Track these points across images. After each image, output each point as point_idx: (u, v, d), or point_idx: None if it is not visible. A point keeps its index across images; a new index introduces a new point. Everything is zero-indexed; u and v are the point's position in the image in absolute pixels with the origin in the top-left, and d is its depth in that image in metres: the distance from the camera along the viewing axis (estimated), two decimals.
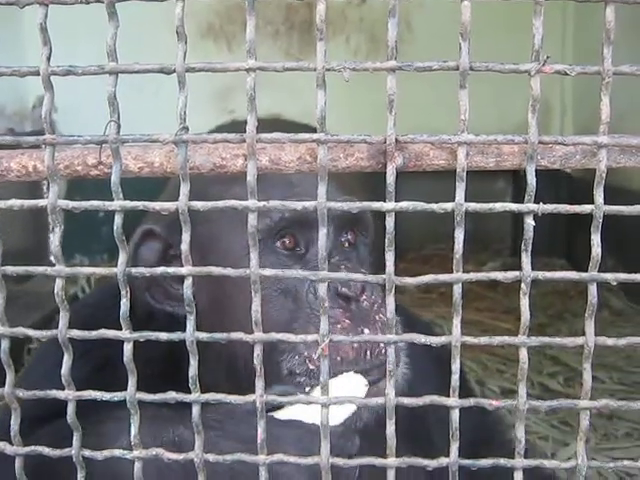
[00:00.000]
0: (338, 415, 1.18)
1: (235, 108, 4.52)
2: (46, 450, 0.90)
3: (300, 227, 1.34)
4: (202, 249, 1.35)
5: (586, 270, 0.82)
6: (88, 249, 4.43)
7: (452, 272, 0.82)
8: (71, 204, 0.82)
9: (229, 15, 4.68)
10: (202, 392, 0.86)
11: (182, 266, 0.81)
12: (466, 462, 0.86)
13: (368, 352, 1.28)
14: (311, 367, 1.28)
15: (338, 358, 1.26)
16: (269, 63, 0.80)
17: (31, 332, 0.87)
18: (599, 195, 0.80)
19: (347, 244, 1.43)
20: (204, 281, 1.15)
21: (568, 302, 3.77)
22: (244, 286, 0.92)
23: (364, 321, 1.29)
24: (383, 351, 1.28)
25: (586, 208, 0.80)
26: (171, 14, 0.79)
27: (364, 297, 1.31)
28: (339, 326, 1.27)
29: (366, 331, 1.29)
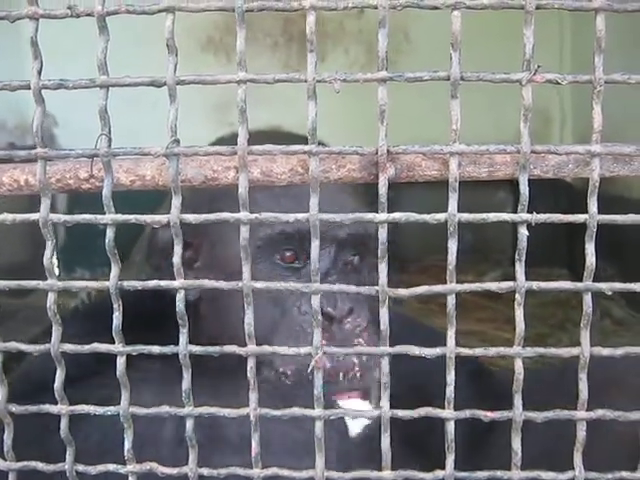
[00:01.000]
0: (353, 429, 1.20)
1: (234, 121, 4.51)
2: (40, 465, 0.89)
3: (301, 241, 1.35)
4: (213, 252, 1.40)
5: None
6: (89, 262, 4.42)
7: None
8: (63, 218, 0.82)
9: (228, 28, 4.69)
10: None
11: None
12: (462, 475, 0.85)
13: (341, 374, 1.31)
14: (285, 381, 1.32)
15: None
16: (260, 75, 0.80)
17: (24, 346, 0.87)
18: (593, 204, 0.80)
19: (350, 266, 1.43)
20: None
21: (569, 312, 3.75)
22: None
23: (342, 344, 1.29)
24: (358, 374, 1.32)
25: (580, 217, 0.80)
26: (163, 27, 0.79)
27: (348, 320, 1.32)
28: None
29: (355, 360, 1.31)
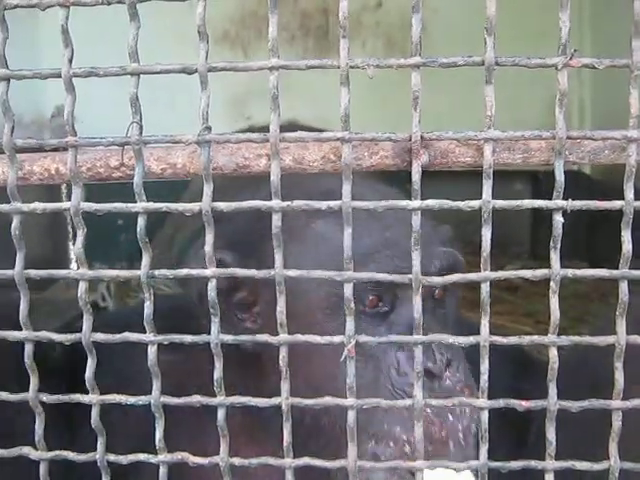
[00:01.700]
0: None
1: (252, 114, 4.52)
2: (71, 455, 0.89)
3: (386, 287, 1.23)
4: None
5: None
6: (107, 257, 4.43)
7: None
8: (94, 206, 0.82)
9: (244, 22, 4.68)
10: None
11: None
12: (495, 464, 0.84)
13: (451, 442, 1.19)
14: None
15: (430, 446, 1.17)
16: (292, 62, 0.79)
17: (55, 336, 0.87)
18: (629, 191, 0.78)
19: (433, 299, 1.31)
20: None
21: (589, 305, 3.72)
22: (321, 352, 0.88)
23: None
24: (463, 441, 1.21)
25: (616, 204, 0.79)
26: (186, 19, 0.79)
27: (447, 374, 1.21)
28: (429, 411, 1.18)
29: (450, 417, 1.20)
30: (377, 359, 1.23)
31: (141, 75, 0.80)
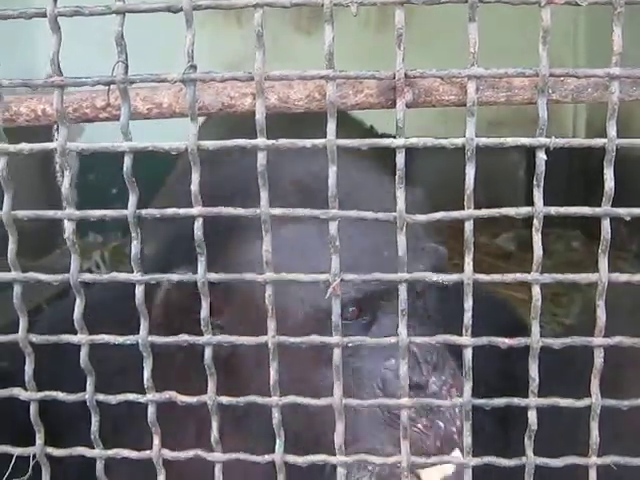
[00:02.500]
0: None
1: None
2: (60, 395, 0.90)
3: (368, 299, 1.22)
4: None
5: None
6: (101, 227, 4.44)
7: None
8: (81, 146, 0.82)
9: None
10: None
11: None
12: (479, 402, 0.86)
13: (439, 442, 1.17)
14: None
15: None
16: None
17: (43, 276, 0.88)
18: (612, 128, 0.79)
19: (415, 292, 1.30)
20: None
21: (583, 272, 3.74)
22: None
23: (434, 412, 1.16)
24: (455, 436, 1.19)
25: (599, 142, 0.80)
26: None
27: (433, 379, 1.19)
28: (419, 426, 1.17)
29: (440, 424, 1.17)
30: (361, 376, 1.21)
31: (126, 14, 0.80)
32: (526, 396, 0.84)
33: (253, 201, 0.83)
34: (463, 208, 0.82)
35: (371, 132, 3.86)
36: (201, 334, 1.23)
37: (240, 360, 1.25)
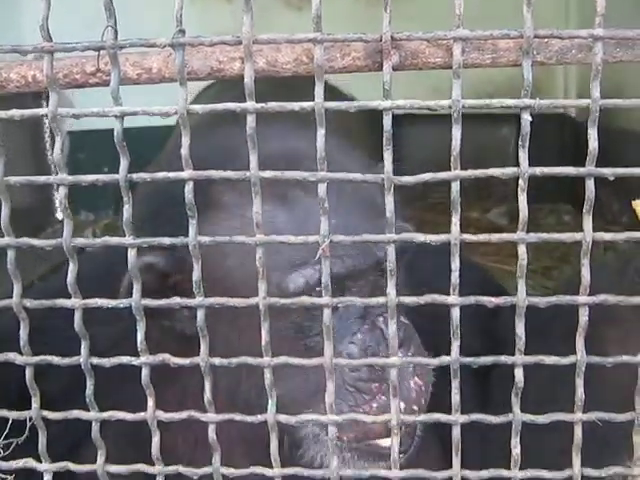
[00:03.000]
0: None
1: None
2: (55, 359, 0.91)
3: (335, 281, 1.16)
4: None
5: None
6: (94, 205, 4.43)
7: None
8: (72, 111, 0.83)
9: None
10: None
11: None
12: (467, 360, 0.87)
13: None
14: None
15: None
16: None
17: (36, 242, 0.89)
18: (595, 89, 0.80)
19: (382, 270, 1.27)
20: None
21: (573, 245, 3.76)
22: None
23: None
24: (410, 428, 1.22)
25: (583, 102, 0.81)
26: None
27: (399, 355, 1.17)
28: (374, 405, 1.19)
29: (402, 404, 1.14)
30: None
31: None
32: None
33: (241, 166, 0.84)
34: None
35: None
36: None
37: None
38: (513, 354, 0.87)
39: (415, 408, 1.21)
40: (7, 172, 0.85)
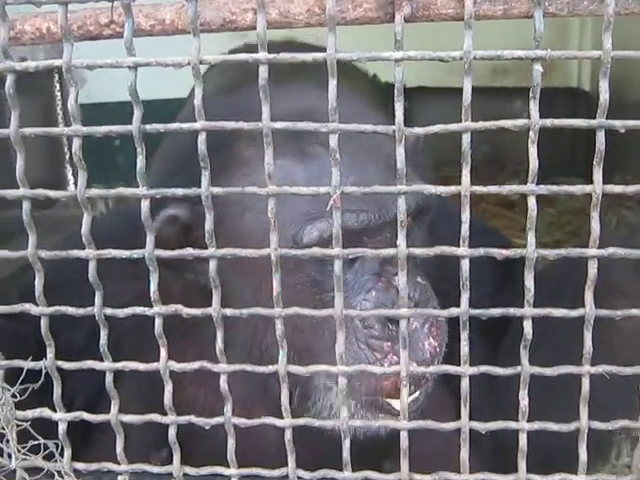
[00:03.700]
0: None
1: (247, 32, 4.47)
2: (70, 310, 0.93)
3: (351, 236, 1.17)
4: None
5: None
6: (105, 178, 4.44)
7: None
8: (85, 62, 0.84)
9: None
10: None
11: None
12: (476, 312, 0.88)
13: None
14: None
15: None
16: None
17: (52, 193, 0.90)
18: (607, 40, 0.80)
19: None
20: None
21: (585, 219, 3.76)
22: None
23: (412, 349, 1.14)
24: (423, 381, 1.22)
25: (595, 54, 0.81)
26: None
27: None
28: (387, 361, 1.19)
29: (415, 365, 1.15)
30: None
31: None
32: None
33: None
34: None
35: (374, 80, 3.86)
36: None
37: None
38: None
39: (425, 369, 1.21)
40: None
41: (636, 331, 1.19)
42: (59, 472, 0.94)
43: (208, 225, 0.86)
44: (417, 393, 1.19)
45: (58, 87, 4.36)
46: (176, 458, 0.95)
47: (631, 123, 0.83)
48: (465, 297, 0.87)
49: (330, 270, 1.17)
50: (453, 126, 0.83)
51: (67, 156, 4.42)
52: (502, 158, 4.41)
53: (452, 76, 4.10)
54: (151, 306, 0.91)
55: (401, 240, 0.86)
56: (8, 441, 0.90)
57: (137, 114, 0.84)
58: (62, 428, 0.96)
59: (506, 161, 4.47)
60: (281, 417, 0.93)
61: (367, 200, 1.16)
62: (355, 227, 1.16)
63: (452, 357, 1.10)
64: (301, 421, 0.94)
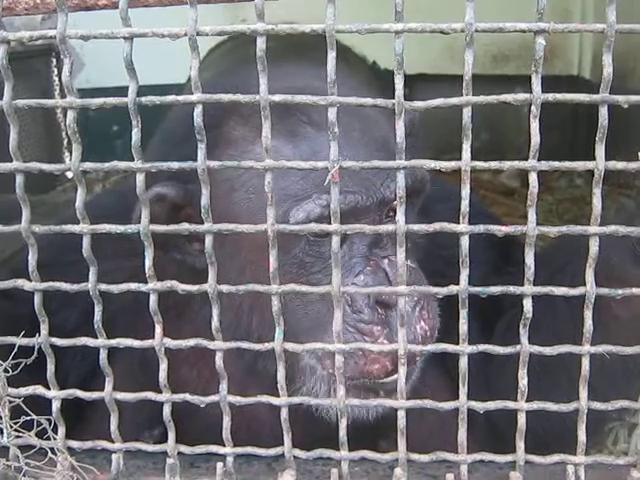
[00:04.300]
0: None
1: (247, 17, 4.45)
2: (64, 286, 0.92)
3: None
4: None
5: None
6: (103, 162, 4.44)
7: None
8: (80, 32, 0.82)
9: None
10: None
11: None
12: (476, 289, 0.87)
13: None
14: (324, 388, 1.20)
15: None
16: None
17: (45, 166, 0.88)
18: (611, 13, 0.79)
19: (392, 212, 1.23)
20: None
21: (584, 208, 3.75)
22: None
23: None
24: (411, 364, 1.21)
25: (598, 27, 0.79)
26: None
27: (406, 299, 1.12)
28: (377, 344, 1.13)
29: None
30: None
31: None
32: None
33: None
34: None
35: (373, 67, 3.85)
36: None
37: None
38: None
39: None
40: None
41: (633, 319, 1.18)
42: (52, 449, 0.93)
43: (204, 200, 0.85)
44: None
45: (56, 72, 4.35)
46: (171, 436, 0.94)
47: (634, 98, 0.81)
48: (465, 274, 0.86)
49: (317, 251, 1.16)
50: (454, 100, 0.82)
51: (65, 142, 4.40)
52: (502, 147, 4.39)
53: (453, 63, 4.09)
54: (146, 283, 0.90)
55: (400, 215, 0.85)
56: (0, 417, 0.89)
57: (132, 86, 0.83)
58: (56, 406, 0.95)
59: (506, 151, 4.46)
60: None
61: (355, 181, 1.14)
62: (343, 208, 1.14)
63: (447, 338, 1.08)
64: (297, 399, 0.93)
